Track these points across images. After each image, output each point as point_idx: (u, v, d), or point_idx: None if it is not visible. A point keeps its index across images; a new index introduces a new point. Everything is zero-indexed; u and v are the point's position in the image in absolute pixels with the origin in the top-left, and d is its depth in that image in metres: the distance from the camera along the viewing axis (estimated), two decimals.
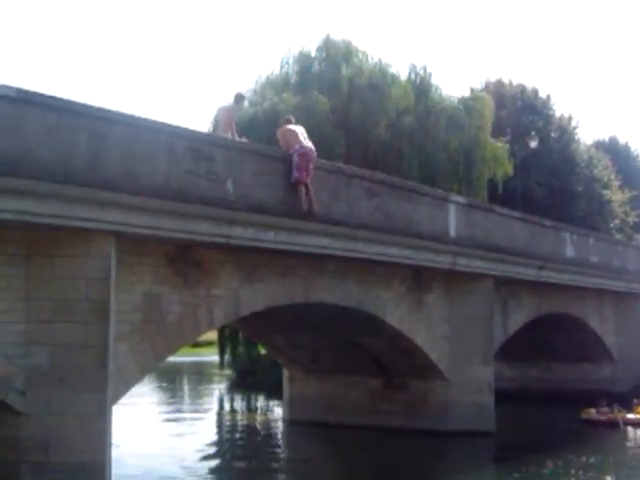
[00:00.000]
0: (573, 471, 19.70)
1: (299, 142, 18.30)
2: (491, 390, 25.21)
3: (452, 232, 23.61)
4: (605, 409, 28.05)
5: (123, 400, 15.64)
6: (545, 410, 29.37)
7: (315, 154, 18.43)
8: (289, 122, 19.53)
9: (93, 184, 13.66)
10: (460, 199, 24.68)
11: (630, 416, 27.73)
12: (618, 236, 48.44)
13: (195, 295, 17.10)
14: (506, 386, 29.86)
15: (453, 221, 23.72)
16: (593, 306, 34.95)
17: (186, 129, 16.26)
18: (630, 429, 26.81)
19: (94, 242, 14.15)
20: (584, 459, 20.98)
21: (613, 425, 26.85)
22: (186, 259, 16.88)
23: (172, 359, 27.40)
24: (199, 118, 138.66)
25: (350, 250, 19.71)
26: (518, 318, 28.66)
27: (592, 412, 28.03)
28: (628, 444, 25.19)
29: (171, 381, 50.00)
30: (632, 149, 67.06)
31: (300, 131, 18.89)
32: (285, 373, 28.54)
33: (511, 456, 20.58)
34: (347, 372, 26.09)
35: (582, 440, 23.18)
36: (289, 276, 19.39)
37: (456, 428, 24.08)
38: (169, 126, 15.61)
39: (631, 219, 54.84)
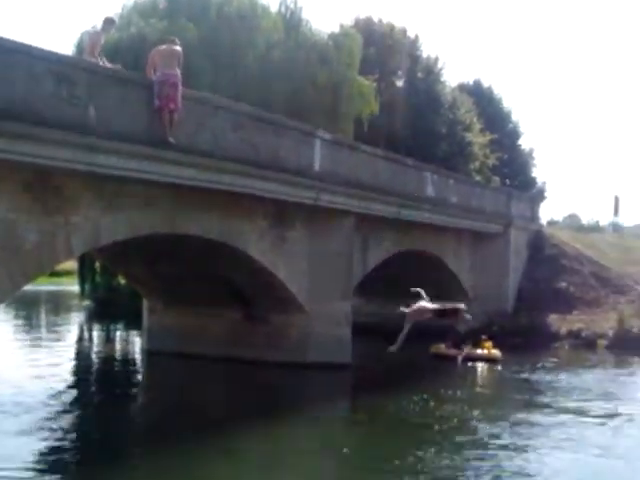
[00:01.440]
0: (417, 399, 20.68)
1: (166, 67, 17.85)
2: (349, 324, 25.82)
3: (317, 167, 23.76)
4: (454, 345, 29.09)
5: None
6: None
7: (178, 81, 17.96)
8: (173, 43, 18.70)
9: None
10: (326, 135, 24.79)
11: (482, 352, 28.93)
12: (477, 178, 49.73)
13: (54, 223, 16.70)
14: (364, 320, 30.50)
15: (318, 157, 23.87)
16: (451, 245, 36.00)
17: (47, 51, 15.63)
18: (480, 364, 28.04)
19: None
20: (429, 390, 22.19)
21: (459, 359, 28.03)
22: (45, 186, 16.42)
23: (30, 288, 26.79)
24: (65, 44, 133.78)
25: (214, 182, 19.61)
26: (377, 255, 29.23)
27: (441, 347, 29.13)
28: (472, 377, 26.34)
29: (28, 310, 48.95)
30: (495, 93, 68.52)
31: (176, 55, 18.31)
32: (145, 304, 28.38)
33: (365, 387, 21.19)
34: (208, 304, 26.13)
35: (430, 373, 24.04)
36: (152, 206, 19.15)
37: (314, 360, 24.59)
38: (28, 47, 14.99)
39: (490, 161, 56.30)
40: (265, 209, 23.28)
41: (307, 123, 25.00)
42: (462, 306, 27.57)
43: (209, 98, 20.42)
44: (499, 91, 70.64)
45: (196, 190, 19.57)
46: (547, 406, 20.41)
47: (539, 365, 28.48)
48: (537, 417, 18.73)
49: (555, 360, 30.55)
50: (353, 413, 19.92)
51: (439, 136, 49.93)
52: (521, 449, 15.66)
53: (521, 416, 18.94)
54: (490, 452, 15.30)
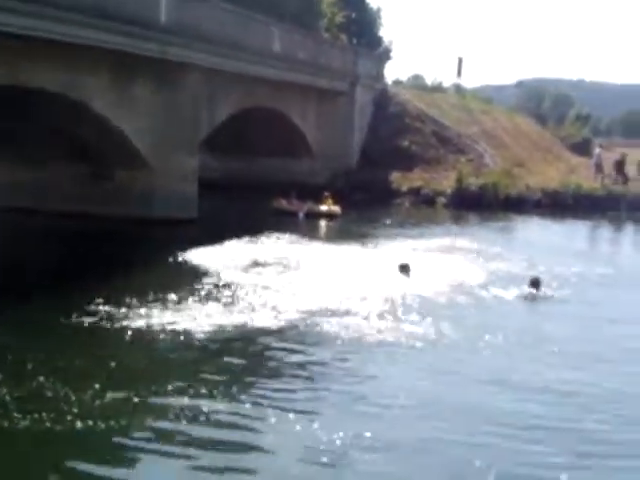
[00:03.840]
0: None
1: None
2: (195, 179, 25.89)
3: (162, 18, 23.21)
4: (295, 200, 29.70)
5: None
6: (244, 200, 30.55)
7: None
8: None
9: None
10: None
11: (323, 208, 29.62)
12: (325, 35, 49.60)
13: None
14: (211, 176, 30.60)
15: (164, 7, 23.28)
16: (297, 102, 36.11)
17: None
18: (323, 221, 28.88)
19: None
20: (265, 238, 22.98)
21: (300, 215, 28.82)
22: None
23: None
24: None
25: (54, 33, 18.94)
26: (224, 111, 29.09)
27: (282, 202, 29.68)
28: (314, 229, 27.27)
29: None
30: None
31: None
32: None
33: (208, 239, 21.47)
34: (53, 160, 25.49)
35: (270, 225, 24.55)
36: None
37: (161, 215, 24.65)
38: None
39: (338, 19, 56.13)
40: (110, 62, 22.67)
41: None
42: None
43: None
44: None
45: (37, 40, 18.84)
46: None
47: (379, 220, 29.59)
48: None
49: (395, 216, 31.73)
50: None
51: None
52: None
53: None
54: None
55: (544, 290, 16.59)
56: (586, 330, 14.47)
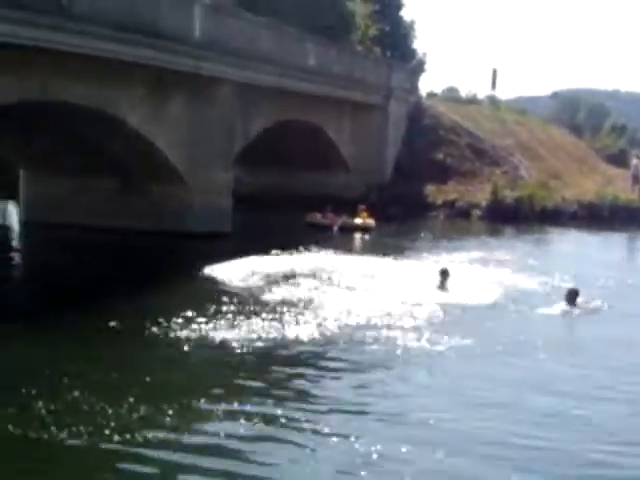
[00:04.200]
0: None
1: None
2: (229, 193, 25.93)
3: (197, 34, 23.34)
4: (330, 214, 29.64)
5: None
6: (278, 214, 30.56)
7: None
8: None
9: None
10: (206, 0, 24.25)
11: (358, 221, 29.55)
12: (359, 49, 49.60)
13: None
14: (245, 191, 30.65)
15: (198, 22, 23.41)
16: (332, 116, 36.15)
17: None
18: (358, 234, 28.77)
19: None
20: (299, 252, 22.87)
21: (335, 228, 28.77)
22: None
23: None
24: None
25: (91, 48, 19.11)
26: (258, 124, 29.17)
27: (317, 216, 29.66)
28: (349, 243, 27.12)
29: None
30: None
31: None
32: (21, 173, 27.69)
33: (242, 253, 21.49)
34: (85, 174, 25.62)
35: (303, 239, 24.52)
36: (24, 71, 18.55)
37: (195, 230, 24.70)
38: None
39: (372, 32, 56.05)
40: (143, 77, 22.82)
41: None
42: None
43: None
44: None
45: (72, 55, 19.01)
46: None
47: (414, 233, 29.49)
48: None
49: (430, 229, 31.63)
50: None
51: (322, 6, 49.30)
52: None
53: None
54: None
55: (582, 301, 16.42)
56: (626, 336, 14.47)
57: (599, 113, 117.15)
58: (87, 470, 8.68)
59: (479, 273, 19.90)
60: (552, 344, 13.55)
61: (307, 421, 9.84)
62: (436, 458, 8.71)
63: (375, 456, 8.72)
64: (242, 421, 9.66)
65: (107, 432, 9.17)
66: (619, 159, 53.60)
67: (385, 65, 40.93)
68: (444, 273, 17.90)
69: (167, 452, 8.92)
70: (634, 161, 39.89)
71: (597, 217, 34.36)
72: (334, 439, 9.22)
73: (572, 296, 16.27)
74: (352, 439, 9.16)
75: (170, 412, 9.85)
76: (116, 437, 9.06)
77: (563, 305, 16.21)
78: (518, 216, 33.71)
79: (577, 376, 12.01)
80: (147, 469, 8.62)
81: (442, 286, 17.70)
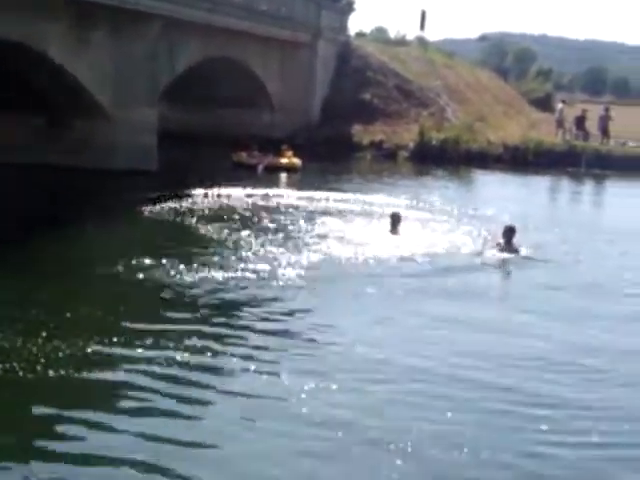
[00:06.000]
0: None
1: None
2: (154, 131, 25.60)
3: None
4: (256, 153, 29.41)
5: None
6: (204, 152, 30.24)
7: None
8: None
9: None
10: None
11: (283, 161, 29.33)
12: None
13: None
14: (171, 128, 30.15)
15: None
16: (259, 53, 35.59)
17: None
18: (283, 174, 28.66)
19: None
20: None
21: (260, 168, 28.55)
22: None
23: None
24: None
25: None
26: (184, 61, 28.67)
27: (243, 155, 29.35)
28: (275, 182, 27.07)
29: None
30: None
31: None
32: None
33: (168, 190, 21.34)
34: (9, 110, 24.98)
35: (229, 177, 24.45)
36: None
37: (120, 167, 24.35)
38: None
39: None
40: (66, 10, 22.21)
41: None
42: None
43: None
44: None
45: None
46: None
47: (341, 173, 29.57)
48: None
49: (357, 169, 31.72)
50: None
51: None
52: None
53: None
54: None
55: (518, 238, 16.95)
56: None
57: (526, 57, 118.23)
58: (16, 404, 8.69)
59: (418, 217, 20.10)
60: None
61: (239, 357, 10.10)
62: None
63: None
64: (176, 357, 9.84)
65: (38, 368, 9.24)
66: (545, 103, 54.30)
67: (314, 3, 40.42)
68: (395, 217, 17.89)
69: (99, 388, 9.08)
70: (559, 105, 40.35)
71: (522, 160, 34.80)
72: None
73: (509, 233, 16.79)
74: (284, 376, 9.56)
75: (96, 347, 9.95)
76: (49, 372, 9.16)
77: (501, 241, 16.78)
78: (444, 158, 33.92)
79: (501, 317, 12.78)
80: (78, 404, 8.71)
81: (394, 230, 17.72)
